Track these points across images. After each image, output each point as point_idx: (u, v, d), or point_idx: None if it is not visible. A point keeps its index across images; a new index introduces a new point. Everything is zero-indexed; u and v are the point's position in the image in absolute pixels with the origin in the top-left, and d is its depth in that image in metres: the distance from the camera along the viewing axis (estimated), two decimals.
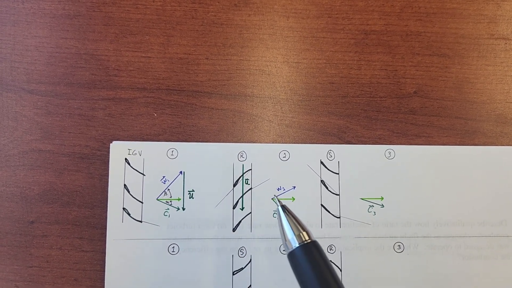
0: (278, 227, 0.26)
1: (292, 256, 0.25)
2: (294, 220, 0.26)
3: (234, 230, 0.33)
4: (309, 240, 0.25)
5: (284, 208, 0.26)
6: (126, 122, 0.34)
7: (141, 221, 0.32)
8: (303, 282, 0.24)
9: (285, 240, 0.25)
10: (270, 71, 0.35)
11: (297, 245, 0.25)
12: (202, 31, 0.35)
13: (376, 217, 0.33)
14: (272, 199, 0.33)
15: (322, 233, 0.33)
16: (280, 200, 0.28)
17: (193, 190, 0.33)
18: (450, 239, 0.33)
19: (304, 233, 0.25)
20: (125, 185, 0.33)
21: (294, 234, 0.25)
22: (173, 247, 0.32)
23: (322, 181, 0.33)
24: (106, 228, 0.32)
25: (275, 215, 0.33)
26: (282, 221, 0.26)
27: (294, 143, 0.34)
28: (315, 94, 0.34)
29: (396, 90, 0.35)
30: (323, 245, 0.32)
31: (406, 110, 0.35)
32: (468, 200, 0.33)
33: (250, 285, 0.32)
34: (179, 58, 0.34)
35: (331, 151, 0.34)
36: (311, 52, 0.35)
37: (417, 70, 0.35)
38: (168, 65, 0.34)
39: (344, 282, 0.32)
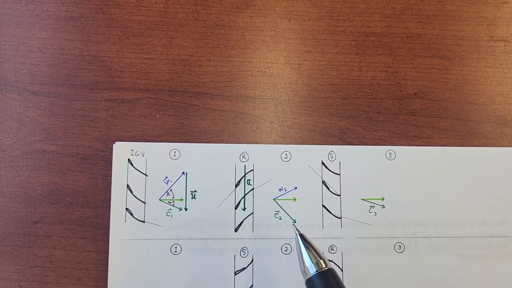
0: (297, 254, 0.28)
1: (310, 283, 0.26)
2: (311, 248, 0.27)
3: (236, 230, 0.33)
4: (326, 268, 0.26)
5: (302, 236, 0.28)
6: (129, 123, 0.34)
7: (143, 221, 0.33)
8: None
9: (304, 267, 0.27)
10: (272, 72, 0.35)
11: (315, 272, 0.26)
12: (204, 33, 0.35)
13: (377, 218, 0.33)
14: (274, 199, 0.33)
15: (323, 234, 0.33)
16: (298, 229, 0.29)
17: (195, 191, 0.33)
18: (450, 239, 0.33)
19: (322, 261, 0.27)
20: (128, 185, 0.33)
21: (312, 262, 0.27)
22: (176, 247, 0.32)
23: (323, 181, 0.34)
24: (109, 228, 0.32)
25: (276, 215, 0.33)
26: (301, 249, 0.27)
27: (295, 144, 0.34)
28: (316, 96, 0.35)
29: (397, 92, 0.35)
30: (324, 245, 0.33)
31: (406, 111, 0.35)
32: (468, 201, 0.34)
33: (252, 285, 0.32)
34: (182, 59, 0.35)
35: (332, 152, 0.34)
36: (312, 53, 0.35)
37: (417, 72, 0.35)
38: (171, 66, 0.34)
39: (345, 282, 0.32)
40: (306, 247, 0.27)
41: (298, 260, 0.27)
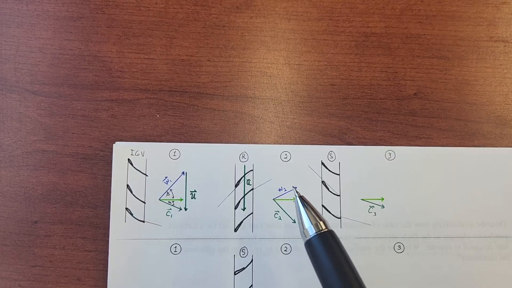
0: (296, 216, 0.27)
1: (309, 244, 0.26)
2: (311, 210, 0.27)
3: (235, 230, 0.33)
4: (325, 229, 0.26)
5: (302, 198, 0.27)
6: (129, 123, 0.34)
7: (143, 221, 0.33)
8: (320, 269, 0.25)
9: (303, 229, 0.26)
10: (272, 73, 0.35)
11: (314, 233, 0.25)
12: (204, 33, 0.35)
13: (376, 218, 0.33)
14: (273, 199, 0.33)
15: None
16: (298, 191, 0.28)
17: (195, 191, 0.33)
18: (450, 240, 0.33)
19: (321, 222, 0.26)
20: (127, 185, 0.33)
21: (312, 223, 0.26)
22: (175, 247, 0.32)
23: (323, 181, 0.34)
24: (109, 228, 0.32)
25: (276, 215, 0.33)
26: (300, 211, 0.27)
27: (295, 144, 0.34)
28: (316, 96, 0.35)
29: (396, 92, 0.35)
30: None
31: (406, 111, 0.35)
32: (467, 201, 0.34)
33: (252, 285, 0.32)
34: (182, 59, 0.35)
35: (332, 152, 0.34)
36: (312, 54, 0.35)
37: (417, 72, 0.35)
38: (171, 66, 0.35)
39: None
40: (305, 208, 0.27)
41: (297, 222, 0.27)
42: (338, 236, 0.33)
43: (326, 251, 0.25)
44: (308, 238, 0.26)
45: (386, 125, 0.35)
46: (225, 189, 0.33)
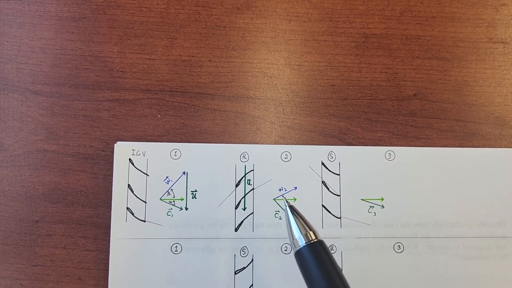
0: (286, 226, 0.27)
1: (299, 255, 0.26)
2: (301, 220, 0.27)
3: (236, 230, 0.33)
4: (315, 240, 0.26)
5: (292, 208, 0.27)
6: (130, 123, 0.34)
7: (144, 221, 0.33)
8: (310, 279, 0.25)
9: (293, 239, 0.26)
10: (272, 73, 0.35)
11: (304, 244, 0.25)
12: (205, 34, 0.35)
13: (376, 218, 0.33)
14: (274, 199, 0.33)
15: (323, 234, 0.33)
16: (288, 200, 0.28)
17: (196, 190, 0.33)
18: (449, 240, 0.33)
19: (311, 232, 0.26)
20: (129, 185, 0.33)
21: (301, 234, 0.26)
22: (176, 246, 0.33)
23: (323, 182, 0.34)
24: (110, 228, 0.33)
25: (276, 215, 0.33)
26: (290, 221, 0.27)
27: (295, 144, 0.34)
28: (316, 96, 0.35)
29: (396, 93, 0.35)
30: None
31: (406, 112, 0.35)
32: (467, 201, 0.34)
33: (252, 285, 0.32)
34: (183, 60, 0.35)
35: (332, 153, 0.34)
36: (312, 55, 0.35)
37: (416, 73, 0.35)
38: (172, 67, 0.35)
39: None
40: (295, 218, 0.27)
41: (287, 232, 0.27)
42: (338, 236, 0.33)
43: (316, 261, 0.25)
44: (297, 248, 0.26)
45: (386, 125, 0.35)
46: (226, 189, 0.33)
